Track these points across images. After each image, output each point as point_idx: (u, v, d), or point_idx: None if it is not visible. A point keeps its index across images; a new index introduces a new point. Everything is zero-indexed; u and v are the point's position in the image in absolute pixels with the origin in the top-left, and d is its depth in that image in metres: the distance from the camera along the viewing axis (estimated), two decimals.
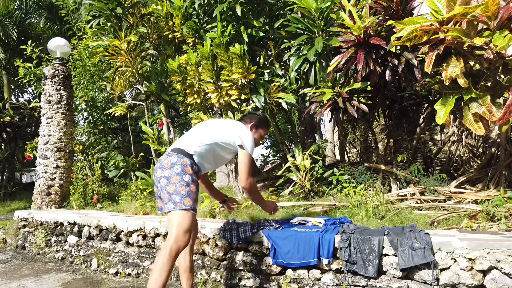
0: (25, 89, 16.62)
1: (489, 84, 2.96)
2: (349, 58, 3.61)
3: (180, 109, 6.14)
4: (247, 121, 2.81)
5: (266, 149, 10.84)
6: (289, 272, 2.78)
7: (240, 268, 3.02)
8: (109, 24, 5.62)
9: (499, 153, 3.86)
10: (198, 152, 2.47)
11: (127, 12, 5.64)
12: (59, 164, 6.06)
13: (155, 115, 9.14)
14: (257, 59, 4.88)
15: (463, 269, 2.24)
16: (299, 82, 4.53)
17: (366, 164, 4.55)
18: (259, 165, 7.52)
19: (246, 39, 4.50)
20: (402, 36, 2.79)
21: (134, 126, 8.50)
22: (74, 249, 4.46)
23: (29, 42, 8.63)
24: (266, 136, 2.78)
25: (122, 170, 6.84)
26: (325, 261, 2.61)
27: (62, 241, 4.70)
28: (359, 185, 3.91)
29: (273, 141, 10.56)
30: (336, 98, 3.85)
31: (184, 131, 8.43)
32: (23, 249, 5.14)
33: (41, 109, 6.27)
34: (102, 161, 7.34)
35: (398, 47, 3.49)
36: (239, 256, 3.02)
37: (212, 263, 3.21)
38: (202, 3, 4.96)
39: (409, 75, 3.81)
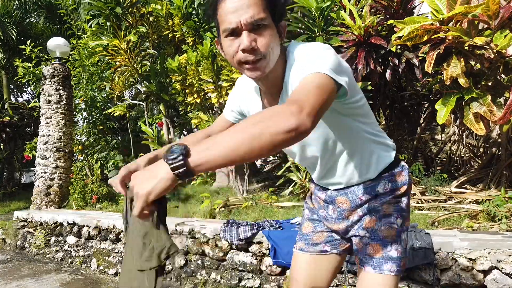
0: (24, 89, 16.59)
1: (490, 83, 2.95)
2: (350, 58, 3.60)
3: (180, 109, 6.13)
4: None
5: None
6: (289, 272, 2.77)
7: (240, 268, 3.01)
8: (108, 23, 5.61)
9: (500, 153, 3.86)
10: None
11: (126, 12, 5.63)
12: (58, 164, 6.05)
13: (154, 115, 9.10)
14: None
15: (464, 269, 2.23)
16: None
17: None
18: (259, 165, 7.51)
19: None
20: (402, 36, 2.78)
21: (133, 126, 8.48)
22: (74, 250, 4.45)
23: (28, 42, 8.60)
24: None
25: None
26: None
27: (62, 242, 4.69)
28: None
29: None
30: None
31: (183, 131, 8.40)
32: (23, 249, 5.13)
33: (40, 109, 6.26)
34: (102, 161, 7.31)
35: (399, 47, 3.48)
36: (239, 257, 3.01)
37: (212, 263, 3.19)
38: (202, 2, 4.95)
39: (409, 75, 3.80)
